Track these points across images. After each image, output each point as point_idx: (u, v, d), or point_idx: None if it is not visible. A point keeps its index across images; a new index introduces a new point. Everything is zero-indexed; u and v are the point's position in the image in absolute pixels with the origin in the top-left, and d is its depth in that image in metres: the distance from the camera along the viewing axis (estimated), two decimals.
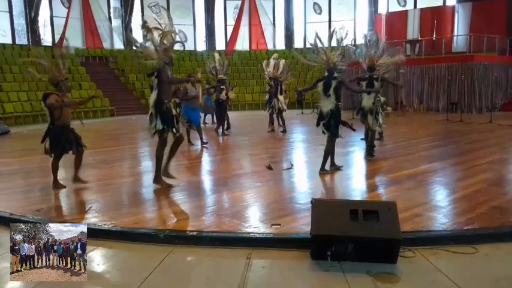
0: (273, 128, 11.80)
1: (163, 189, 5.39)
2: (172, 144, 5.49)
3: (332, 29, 6.45)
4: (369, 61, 7.26)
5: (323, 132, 6.18)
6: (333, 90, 5.93)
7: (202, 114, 11.98)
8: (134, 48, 5.77)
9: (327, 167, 6.25)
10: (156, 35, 5.25)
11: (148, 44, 5.32)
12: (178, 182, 5.64)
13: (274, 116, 11.78)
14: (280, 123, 11.75)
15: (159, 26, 5.30)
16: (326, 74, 6.15)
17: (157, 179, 5.51)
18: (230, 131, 11.69)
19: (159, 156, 5.46)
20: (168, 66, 5.29)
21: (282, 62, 11.71)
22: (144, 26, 5.24)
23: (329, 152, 6.23)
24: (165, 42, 5.29)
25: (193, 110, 8.96)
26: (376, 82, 7.25)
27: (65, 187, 5.57)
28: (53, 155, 5.52)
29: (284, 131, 11.51)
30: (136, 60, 5.44)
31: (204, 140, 9.38)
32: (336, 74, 6.05)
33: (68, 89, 5.56)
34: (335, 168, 6.35)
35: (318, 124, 6.22)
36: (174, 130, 5.36)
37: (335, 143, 6.27)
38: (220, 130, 11.26)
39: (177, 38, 5.56)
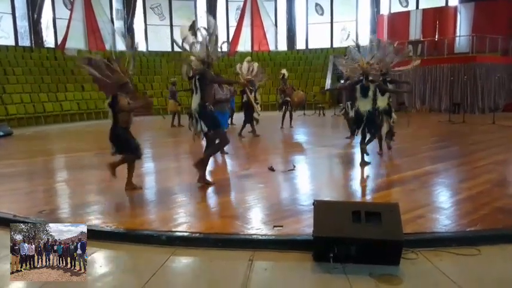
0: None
1: (165, 191, 5.41)
2: (218, 143, 5.62)
3: (371, 38, 7.03)
4: (384, 67, 7.31)
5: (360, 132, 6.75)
6: (372, 92, 6.55)
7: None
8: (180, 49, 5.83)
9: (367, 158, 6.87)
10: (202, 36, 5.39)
11: (196, 45, 5.39)
12: (180, 184, 5.66)
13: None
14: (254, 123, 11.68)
15: (206, 28, 5.45)
16: (362, 77, 6.66)
17: (202, 178, 5.55)
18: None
19: (207, 156, 5.56)
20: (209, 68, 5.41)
21: (256, 65, 11.79)
22: (193, 27, 5.36)
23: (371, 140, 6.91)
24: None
25: (221, 113, 8.23)
26: (389, 84, 7.58)
27: (141, 188, 5.45)
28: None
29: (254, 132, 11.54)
30: (185, 62, 5.43)
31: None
32: (371, 78, 6.67)
33: (131, 90, 5.47)
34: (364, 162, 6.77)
35: (357, 125, 6.77)
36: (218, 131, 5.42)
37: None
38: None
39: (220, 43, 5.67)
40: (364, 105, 6.59)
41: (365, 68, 6.59)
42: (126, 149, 5.27)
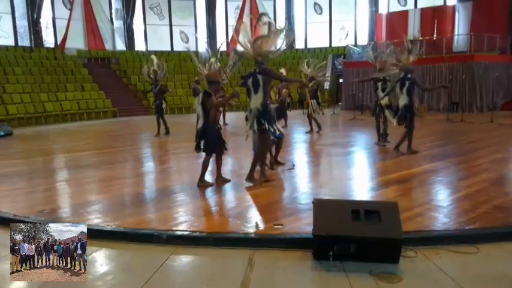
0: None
1: (166, 191, 5.43)
2: (278, 141, 5.77)
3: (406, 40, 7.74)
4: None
5: (399, 123, 7.43)
6: (406, 88, 7.20)
7: None
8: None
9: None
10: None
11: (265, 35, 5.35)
12: (180, 183, 5.66)
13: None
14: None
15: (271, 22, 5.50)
16: (402, 75, 7.38)
17: (250, 177, 5.58)
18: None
19: (262, 155, 5.61)
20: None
21: (218, 65, 11.89)
22: (262, 18, 5.45)
23: (410, 137, 7.48)
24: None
25: None
26: (388, 83, 8.21)
27: (212, 185, 5.55)
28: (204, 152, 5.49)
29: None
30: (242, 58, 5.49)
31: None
32: (409, 75, 7.31)
33: (218, 91, 5.58)
34: (411, 151, 7.46)
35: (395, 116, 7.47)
36: (273, 129, 5.45)
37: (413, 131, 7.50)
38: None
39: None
40: (401, 101, 7.27)
41: (408, 65, 7.28)
42: (212, 147, 5.37)
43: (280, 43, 5.50)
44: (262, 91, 5.28)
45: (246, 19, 26.39)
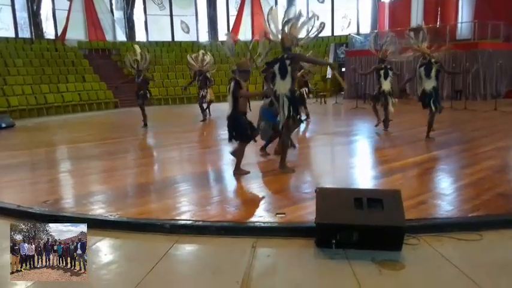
0: (205, 118, 12.19)
1: (168, 180, 5.44)
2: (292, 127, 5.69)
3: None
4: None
5: (426, 106, 7.52)
6: (434, 72, 7.38)
7: None
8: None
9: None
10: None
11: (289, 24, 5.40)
12: (183, 173, 5.66)
13: (205, 106, 12.36)
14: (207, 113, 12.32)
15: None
16: (425, 60, 7.55)
17: (283, 165, 5.57)
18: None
19: (287, 144, 5.64)
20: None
21: (208, 57, 12.28)
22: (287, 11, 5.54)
23: (431, 123, 7.65)
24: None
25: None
26: (389, 71, 8.60)
27: (249, 172, 5.51)
28: (238, 141, 5.47)
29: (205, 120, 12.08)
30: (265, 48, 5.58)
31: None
32: (434, 60, 7.53)
33: (247, 80, 5.54)
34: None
35: (423, 101, 7.54)
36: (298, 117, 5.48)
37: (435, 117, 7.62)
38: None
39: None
40: (429, 85, 7.41)
41: (427, 51, 7.56)
42: (240, 135, 5.37)
43: (309, 30, 5.52)
44: (290, 77, 5.24)
45: (247, 8, 26.24)
